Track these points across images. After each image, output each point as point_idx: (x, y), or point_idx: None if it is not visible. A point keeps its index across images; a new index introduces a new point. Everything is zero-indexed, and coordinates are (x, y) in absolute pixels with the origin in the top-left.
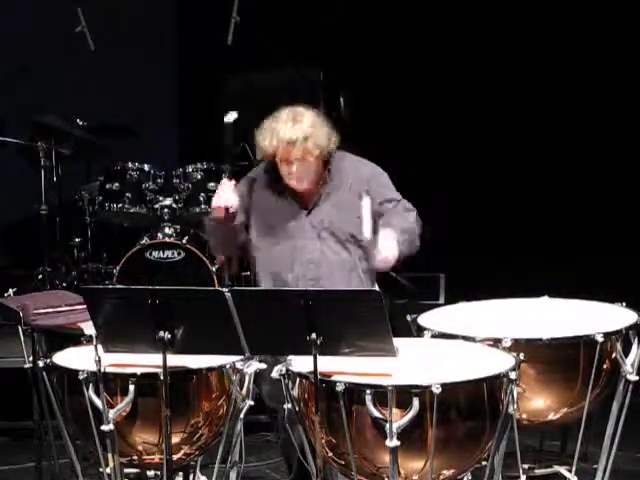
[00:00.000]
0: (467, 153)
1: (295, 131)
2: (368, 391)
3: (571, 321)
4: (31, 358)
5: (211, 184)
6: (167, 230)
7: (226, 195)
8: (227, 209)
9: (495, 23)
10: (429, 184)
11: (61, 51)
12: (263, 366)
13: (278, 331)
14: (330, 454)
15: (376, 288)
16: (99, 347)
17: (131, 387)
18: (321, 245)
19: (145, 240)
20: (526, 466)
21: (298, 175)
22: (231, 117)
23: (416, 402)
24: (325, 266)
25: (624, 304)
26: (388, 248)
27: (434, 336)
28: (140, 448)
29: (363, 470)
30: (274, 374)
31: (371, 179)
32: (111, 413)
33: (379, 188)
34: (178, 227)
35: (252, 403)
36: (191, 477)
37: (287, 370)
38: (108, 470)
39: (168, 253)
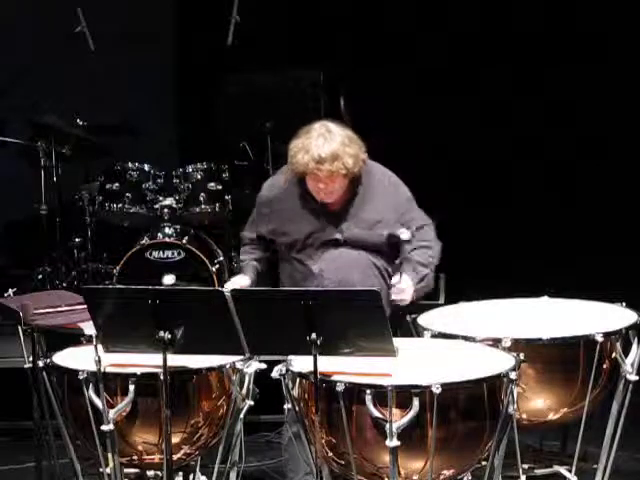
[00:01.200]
0: (467, 153)
1: (325, 149)
2: (368, 391)
3: (571, 321)
4: (31, 358)
5: (211, 184)
6: (167, 230)
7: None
8: None
9: (494, 23)
10: (429, 184)
11: (61, 51)
12: (263, 366)
13: (278, 331)
14: (330, 454)
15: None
16: (99, 347)
17: (131, 387)
18: (340, 254)
19: (145, 240)
20: (526, 466)
21: (326, 191)
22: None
23: (416, 402)
24: (347, 266)
25: (624, 304)
26: (404, 294)
27: (434, 336)
28: (140, 448)
29: (363, 470)
30: (274, 374)
31: (403, 210)
32: (111, 413)
33: (410, 218)
34: (178, 227)
35: (252, 403)
36: (191, 477)
37: (287, 370)
38: (108, 470)
39: (168, 253)
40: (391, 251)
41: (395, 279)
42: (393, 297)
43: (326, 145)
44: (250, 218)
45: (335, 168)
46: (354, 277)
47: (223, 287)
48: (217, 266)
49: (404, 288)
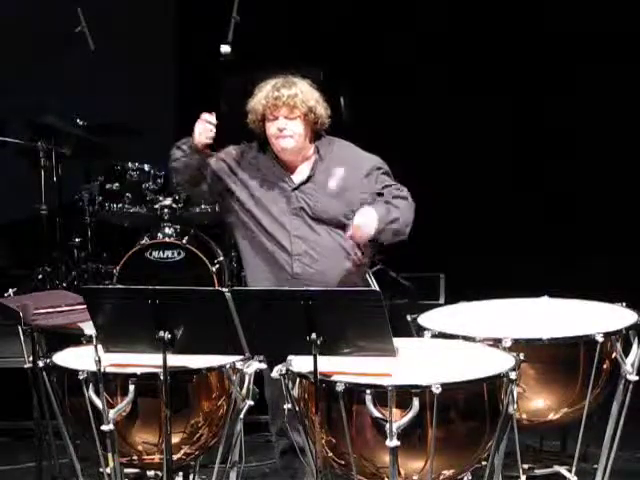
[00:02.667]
0: (467, 153)
1: (284, 88)
2: (368, 391)
3: (571, 321)
4: (31, 358)
5: None
6: (167, 230)
7: (207, 125)
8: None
9: (494, 23)
10: (429, 184)
11: (61, 51)
12: (263, 366)
13: (278, 331)
14: (330, 454)
15: (375, 287)
16: (99, 347)
17: (131, 387)
18: (301, 223)
19: (145, 240)
20: (526, 466)
21: (284, 133)
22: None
23: (416, 402)
24: (311, 243)
25: (624, 304)
26: (365, 222)
27: (434, 336)
28: (140, 448)
29: (363, 470)
30: (274, 374)
31: (370, 174)
32: (111, 413)
33: (377, 183)
34: (178, 227)
35: (252, 403)
36: (191, 477)
37: (287, 370)
38: (108, 470)
39: (168, 253)
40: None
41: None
42: (350, 232)
43: (286, 85)
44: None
45: (294, 103)
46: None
47: (223, 287)
48: (217, 266)
49: (367, 219)
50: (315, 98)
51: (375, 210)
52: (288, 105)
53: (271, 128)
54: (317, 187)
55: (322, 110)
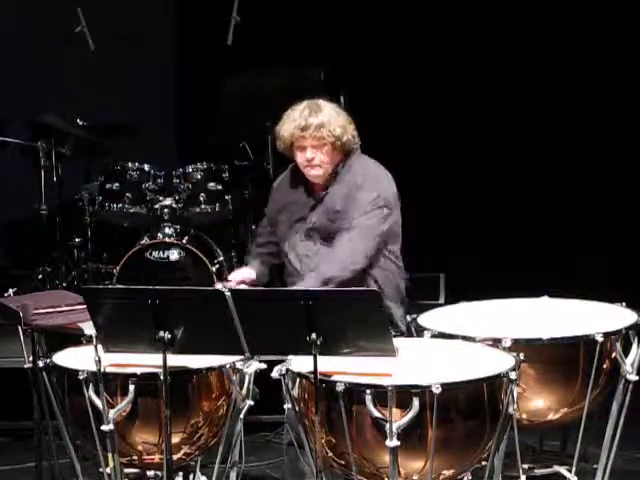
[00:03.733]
0: (467, 152)
1: (311, 118)
2: (368, 391)
3: (571, 321)
4: (31, 358)
5: (211, 184)
6: (167, 230)
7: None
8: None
9: (494, 24)
10: (429, 184)
11: (61, 51)
12: (263, 366)
13: (278, 331)
14: (330, 454)
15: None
16: (99, 347)
17: (131, 387)
18: (312, 244)
19: (145, 240)
20: (526, 466)
21: (314, 163)
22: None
23: (416, 402)
24: (315, 263)
25: (624, 304)
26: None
27: (434, 336)
28: (140, 448)
29: (363, 470)
30: (274, 374)
31: (355, 191)
32: (111, 413)
33: (353, 208)
34: (178, 227)
35: (252, 403)
36: (191, 477)
37: (287, 370)
38: (108, 470)
39: (168, 253)
40: None
41: None
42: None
43: (312, 114)
44: None
45: (321, 134)
46: None
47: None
48: (217, 266)
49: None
50: (341, 125)
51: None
52: (315, 137)
53: (300, 157)
54: (325, 208)
55: (349, 136)
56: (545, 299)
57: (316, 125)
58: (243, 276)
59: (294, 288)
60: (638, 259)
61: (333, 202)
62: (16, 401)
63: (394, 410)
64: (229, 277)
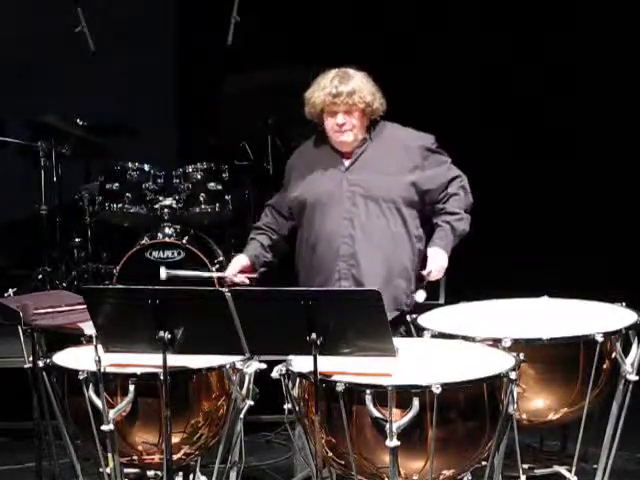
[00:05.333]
0: (467, 152)
1: (342, 85)
2: (368, 391)
3: (571, 321)
4: (31, 358)
5: (211, 184)
6: (167, 230)
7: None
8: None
9: (495, 24)
10: None
11: (61, 51)
12: (263, 366)
13: (278, 331)
14: (330, 454)
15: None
16: (99, 347)
17: (131, 387)
18: (352, 205)
19: (145, 240)
20: (526, 466)
21: (344, 128)
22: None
23: (416, 402)
24: (361, 226)
25: (624, 304)
26: (438, 268)
27: (434, 336)
28: (140, 448)
29: (363, 470)
30: (274, 374)
31: (426, 153)
32: (111, 413)
33: (436, 167)
34: (178, 227)
35: (252, 403)
36: (191, 477)
37: (287, 370)
38: (108, 470)
39: (168, 253)
40: (416, 204)
41: (428, 255)
42: (431, 278)
43: (343, 81)
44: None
45: (352, 101)
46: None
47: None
48: (217, 266)
49: (439, 265)
50: (371, 92)
51: (444, 250)
52: (346, 103)
53: (330, 122)
54: (367, 166)
55: (377, 103)
56: (545, 299)
57: (348, 92)
58: (241, 265)
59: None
60: (638, 259)
61: (377, 155)
62: (16, 401)
63: (394, 410)
64: (225, 274)
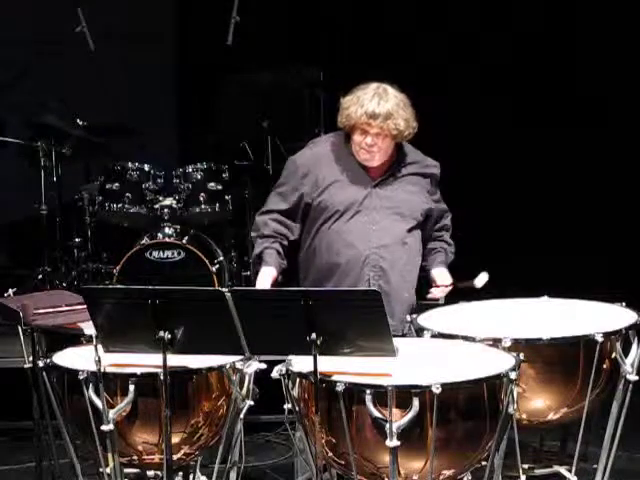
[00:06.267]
0: (467, 152)
1: (380, 107)
2: (368, 391)
3: (571, 321)
4: (31, 358)
5: (211, 184)
6: (167, 230)
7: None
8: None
9: (496, 24)
10: None
11: (61, 51)
12: (263, 366)
13: (278, 331)
14: (330, 454)
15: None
16: (99, 347)
17: (131, 387)
18: (383, 218)
19: (145, 240)
20: (526, 466)
21: (370, 149)
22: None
23: (416, 402)
24: (388, 236)
25: (624, 304)
26: (444, 288)
27: (434, 336)
28: (140, 448)
29: (363, 470)
30: (274, 374)
31: (432, 179)
32: (111, 413)
33: (438, 196)
34: (178, 227)
35: (252, 403)
36: (191, 477)
37: (287, 370)
38: (108, 470)
39: (168, 253)
40: (422, 226)
41: (435, 275)
42: (437, 295)
43: (381, 103)
44: (273, 194)
45: (386, 126)
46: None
47: (223, 287)
48: (217, 266)
49: (446, 285)
50: (405, 118)
51: (446, 268)
52: (380, 127)
53: (359, 139)
54: (394, 184)
55: (410, 129)
56: (545, 299)
57: (384, 116)
58: (272, 278)
59: (297, 288)
60: (638, 259)
61: (402, 176)
62: (16, 401)
63: (394, 410)
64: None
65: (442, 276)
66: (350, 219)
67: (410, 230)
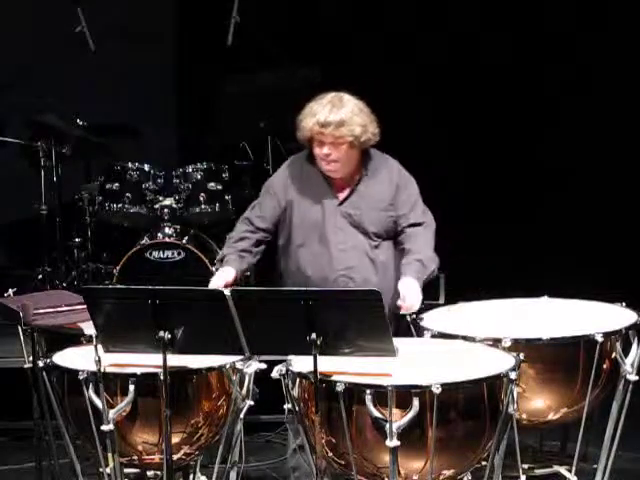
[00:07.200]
0: (467, 152)
1: (332, 115)
2: (368, 391)
3: (571, 321)
4: (31, 358)
5: (211, 184)
6: (167, 230)
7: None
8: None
9: (496, 23)
10: (429, 183)
11: (61, 51)
12: (263, 366)
13: (278, 331)
14: (330, 454)
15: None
16: (99, 347)
17: (131, 387)
18: (347, 236)
19: (145, 240)
20: (526, 466)
21: (330, 159)
22: None
23: (416, 402)
24: (355, 256)
25: (624, 304)
26: (412, 301)
27: (434, 336)
28: (140, 448)
29: (363, 470)
30: (274, 374)
31: (400, 187)
32: (111, 413)
33: (405, 201)
34: (178, 227)
35: (252, 403)
36: (191, 477)
37: (287, 370)
38: (108, 470)
39: (168, 253)
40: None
41: (401, 288)
42: (402, 312)
43: (334, 110)
44: (251, 206)
45: (340, 133)
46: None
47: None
48: (217, 266)
49: (411, 297)
50: (361, 123)
51: (417, 282)
52: (334, 135)
53: (317, 151)
54: (361, 199)
55: (368, 135)
56: (545, 299)
57: (336, 124)
58: (224, 280)
59: (297, 288)
60: (638, 259)
61: (373, 194)
62: (16, 401)
63: (394, 410)
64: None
65: (408, 292)
66: (316, 242)
67: (377, 246)
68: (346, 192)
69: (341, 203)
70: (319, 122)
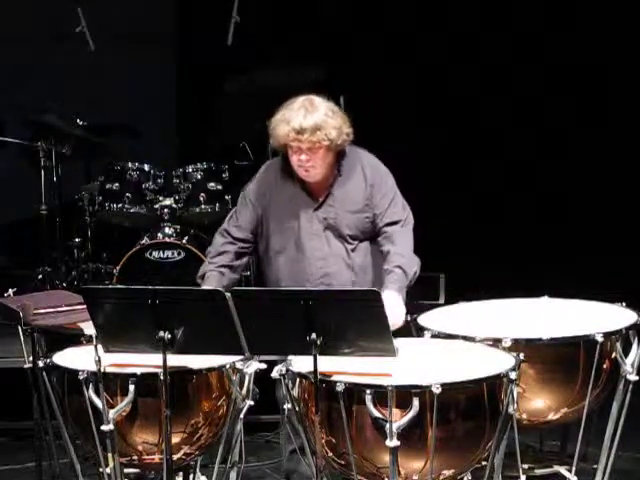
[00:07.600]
0: (467, 152)
1: (306, 120)
2: (368, 391)
3: (571, 321)
4: (31, 358)
5: (211, 184)
6: (167, 230)
7: None
8: None
9: (495, 23)
10: (429, 183)
11: (61, 51)
12: (263, 366)
13: (278, 331)
14: (330, 454)
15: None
16: (99, 347)
17: (131, 387)
18: (322, 242)
19: (145, 240)
20: (526, 466)
21: (308, 165)
22: None
23: (416, 402)
24: (333, 262)
25: (624, 304)
26: (394, 320)
27: (434, 336)
28: (140, 448)
29: (363, 470)
30: (274, 374)
31: (374, 185)
32: (111, 413)
33: (381, 199)
34: (178, 227)
35: (252, 403)
36: (191, 477)
37: (287, 370)
38: (108, 470)
39: (168, 253)
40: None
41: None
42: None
43: (308, 116)
44: (228, 216)
45: (316, 138)
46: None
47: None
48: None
49: (395, 311)
50: (336, 126)
51: (399, 294)
52: (311, 141)
53: (294, 158)
54: (337, 203)
55: (343, 136)
56: (545, 299)
57: (312, 129)
58: None
59: (297, 288)
60: (638, 259)
61: (347, 195)
62: (16, 401)
63: (394, 410)
64: None
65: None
66: (293, 249)
67: (354, 249)
68: (322, 197)
69: (317, 209)
70: (294, 129)
